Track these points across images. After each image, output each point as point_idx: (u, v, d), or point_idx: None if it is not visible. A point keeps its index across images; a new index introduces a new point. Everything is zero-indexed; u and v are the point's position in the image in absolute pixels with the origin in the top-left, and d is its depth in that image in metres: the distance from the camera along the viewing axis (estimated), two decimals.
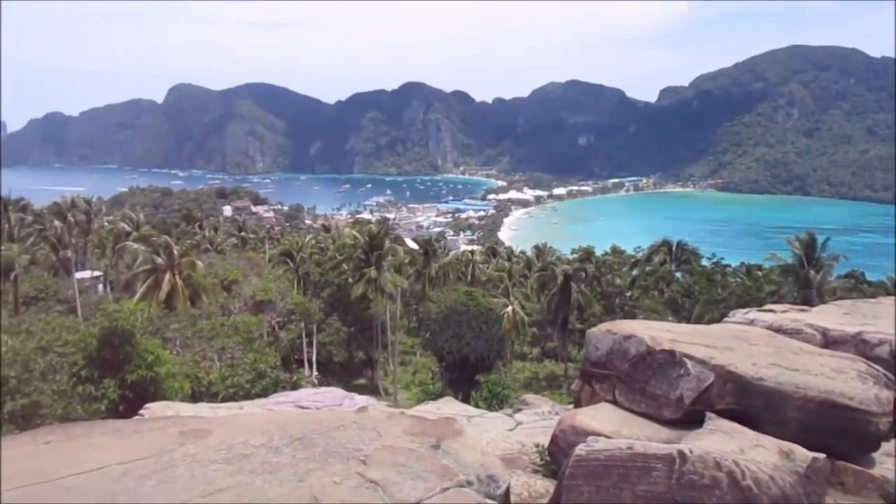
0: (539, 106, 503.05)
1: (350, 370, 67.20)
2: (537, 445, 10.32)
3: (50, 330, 31.67)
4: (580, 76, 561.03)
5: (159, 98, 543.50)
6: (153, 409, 11.52)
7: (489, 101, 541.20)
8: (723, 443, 6.86)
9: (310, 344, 59.88)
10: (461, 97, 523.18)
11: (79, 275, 71.05)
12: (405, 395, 56.79)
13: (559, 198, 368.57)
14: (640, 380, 8.31)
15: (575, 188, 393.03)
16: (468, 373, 31.35)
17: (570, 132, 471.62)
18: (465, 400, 25.59)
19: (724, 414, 7.65)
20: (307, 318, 57.43)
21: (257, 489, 5.19)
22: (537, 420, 12.97)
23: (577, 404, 10.22)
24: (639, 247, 79.24)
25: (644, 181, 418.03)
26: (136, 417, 9.82)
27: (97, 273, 78.57)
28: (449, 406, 13.67)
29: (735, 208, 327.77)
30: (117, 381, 17.75)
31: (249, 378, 26.45)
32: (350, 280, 60.26)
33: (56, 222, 71.71)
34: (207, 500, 5.04)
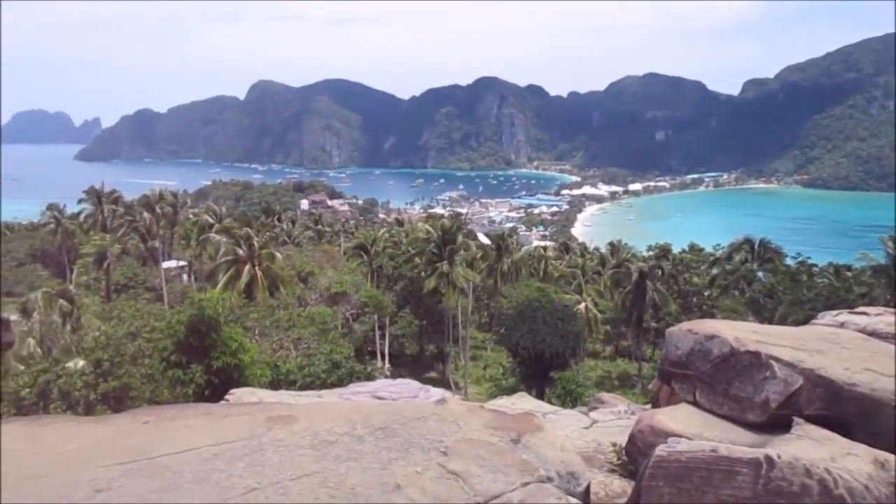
0: (615, 100, 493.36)
1: (421, 363, 67.91)
2: (614, 444, 10.22)
3: (139, 316, 33.35)
4: (658, 69, 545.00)
5: (241, 94, 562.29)
6: (238, 394, 12.03)
7: (564, 95, 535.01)
8: (812, 450, 6.61)
9: (382, 336, 60.82)
10: (535, 91, 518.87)
11: (165, 264, 74.44)
12: (475, 389, 56.93)
13: (635, 194, 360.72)
14: (723, 381, 8.11)
15: (651, 184, 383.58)
16: (542, 369, 31.16)
17: (647, 126, 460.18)
18: (539, 396, 25.47)
19: (812, 420, 7.38)
20: (380, 310, 58.36)
21: (342, 475, 5.36)
22: (613, 419, 12.83)
23: (655, 404, 10.05)
24: (718, 245, 76.86)
25: (725, 177, 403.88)
26: (225, 402, 10.26)
27: (182, 263, 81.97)
28: (523, 402, 13.68)
29: (823, 205, 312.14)
30: (204, 366, 18.58)
31: (326, 368, 27.11)
32: (422, 274, 60.79)
33: (145, 214, 75.22)
34: (295, 483, 5.25)
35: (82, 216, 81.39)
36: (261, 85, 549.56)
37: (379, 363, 58.33)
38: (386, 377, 37.40)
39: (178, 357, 18.89)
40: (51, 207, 77.78)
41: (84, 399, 18.77)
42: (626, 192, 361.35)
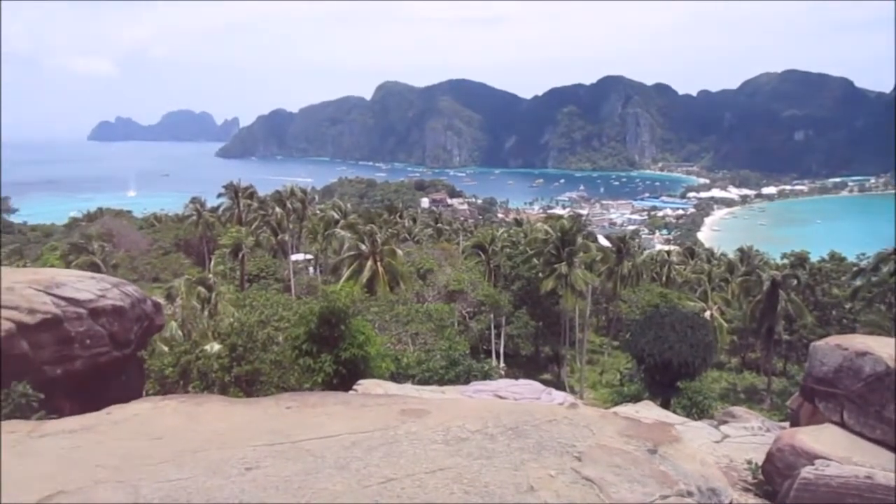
0: (749, 98, 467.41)
1: (536, 364, 67.38)
2: (749, 462, 9.75)
3: (269, 305, 35.27)
4: (799, 65, 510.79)
5: (368, 95, 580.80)
6: (365, 385, 12.45)
7: (693, 93, 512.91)
8: None
9: (498, 335, 60.86)
10: (662, 90, 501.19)
11: (293, 257, 78.04)
12: (591, 394, 55.84)
13: (768, 197, 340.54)
14: (876, 402, 7.53)
15: (787, 187, 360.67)
16: (669, 378, 29.98)
17: (785, 126, 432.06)
18: (664, 406, 24.59)
19: None
20: (496, 309, 58.48)
21: (475, 472, 5.42)
22: (746, 435, 12.21)
23: (795, 423, 9.49)
24: (863, 254, 70.90)
25: (872, 181, 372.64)
26: (359, 392, 10.65)
27: (309, 256, 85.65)
28: (648, 410, 13.26)
29: None
30: (332, 356, 19.38)
31: (444, 364, 27.51)
32: (540, 274, 60.30)
33: (277, 209, 79.45)
34: (430, 477, 5.37)
35: (221, 209, 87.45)
36: (386, 86, 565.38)
37: (494, 362, 58.43)
38: (500, 377, 37.39)
39: (309, 346, 19.79)
40: (193, 201, 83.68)
41: (219, 381, 19.95)
42: (758, 195, 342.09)
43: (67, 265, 49.77)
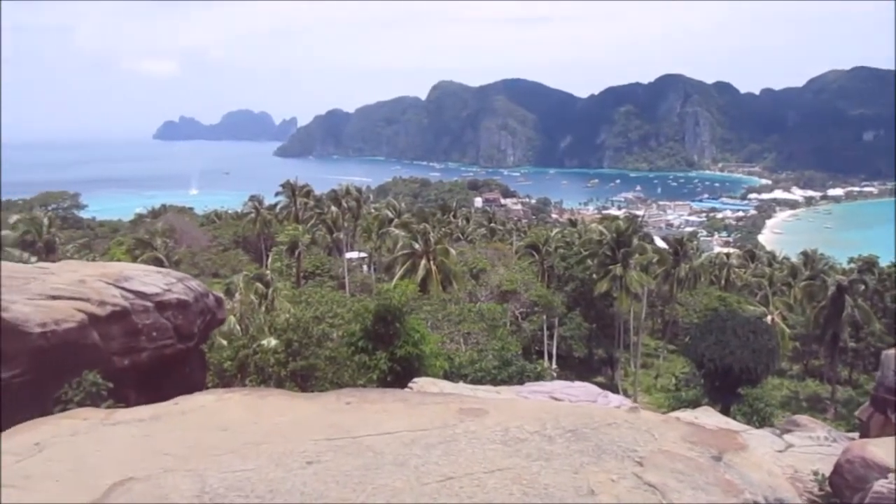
0: (815, 96, 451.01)
1: (589, 366, 66.61)
2: (815, 473, 9.43)
3: (324, 302, 35.84)
4: (868, 62, 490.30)
5: (422, 95, 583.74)
6: (420, 383, 12.53)
7: (756, 91, 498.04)
8: None
9: (550, 337, 60.44)
10: (723, 88, 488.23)
11: (348, 255, 79.14)
12: (646, 398, 54.96)
13: (835, 199, 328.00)
14: None
15: (855, 189, 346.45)
16: (729, 384, 29.25)
17: (854, 126, 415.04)
18: (724, 412, 24.02)
19: None
20: (549, 310, 58.10)
21: (534, 474, 5.40)
22: (811, 445, 11.81)
23: (864, 433, 9.13)
24: None
25: None
26: (415, 390, 10.73)
27: (363, 254, 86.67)
28: (707, 416, 12.95)
29: None
30: (388, 353, 19.58)
31: (496, 364, 27.49)
32: (594, 276, 59.63)
33: (332, 207, 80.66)
34: (489, 476, 5.37)
35: (278, 207, 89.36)
36: (441, 85, 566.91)
37: (546, 363, 58.03)
38: (553, 378, 37.15)
39: (365, 343, 20.03)
40: (252, 199, 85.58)
41: (276, 375, 20.36)
42: (823, 197, 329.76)
43: (133, 260, 51.56)
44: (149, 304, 14.63)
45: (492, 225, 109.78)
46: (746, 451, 5.78)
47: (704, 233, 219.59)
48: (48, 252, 47.82)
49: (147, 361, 14.67)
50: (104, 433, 7.01)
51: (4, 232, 53.19)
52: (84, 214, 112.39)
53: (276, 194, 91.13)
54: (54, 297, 13.05)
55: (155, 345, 14.78)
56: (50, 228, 53.18)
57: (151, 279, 15.55)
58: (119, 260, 50.72)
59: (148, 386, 14.10)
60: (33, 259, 32.23)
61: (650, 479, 5.28)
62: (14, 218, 56.46)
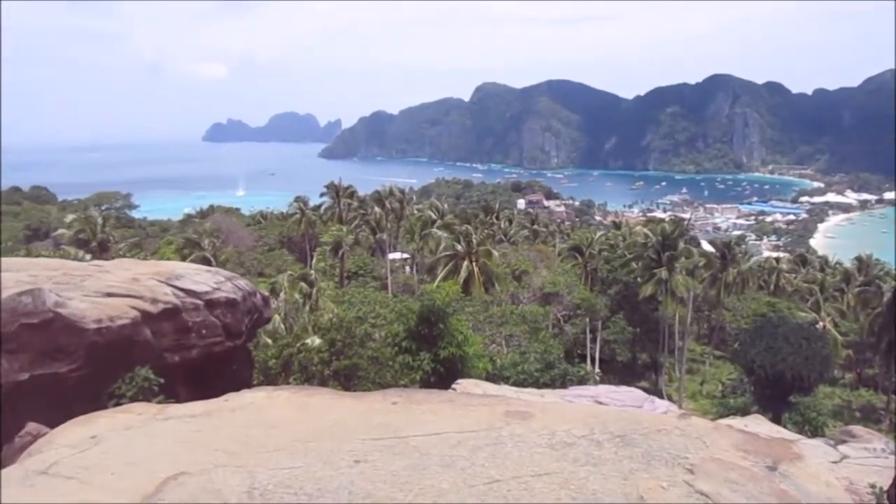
0: (870, 97, 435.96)
1: (633, 371, 65.67)
2: (872, 486, 9.11)
3: (367, 303, 36.13)
4: None
5: (466, 96, 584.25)
6: (464, 384, 12.53)
7: (808, 92, 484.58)
8: None
9: (593, 340, 59.79)
10: (774, 88, 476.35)
11: (391, 256, 79.58)
12: (691, 405, 53.92)
13: (891, 203, 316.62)
14: None
15: None
16: (780, 391, 28.46)
17: None
18: (775, 420, 23.40)
19: None
20: (592, 314, 57.50)
21: (581, 479, 5.34)
22: (868, 457, 11.43)
23: None
24: None
25: None
26: (459, 391, 10.74)
27: (406, 255, 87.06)
28: (758, 425, 12.65)
29: None
30: (431, 354, 19.62)
31: (539, 367, 27.29)
32: (639, 279, 58.86)
33: (376, 208, 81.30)
34: (536, 480, 5.33)
35: (322, 208, 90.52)
36: (485, 87, 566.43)
37: (588, 367, 57.43)
38: (596, 382, 36.78)
39: (409, 343, 20.12)
40: (297, 199, 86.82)
41: (319, 374, 20.56)
42: (879, 200, 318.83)
43: (182, 259, 52.83)
44: (199, 302, 14.96)
45: (535, 227, 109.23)
46: (802, 462, 5.62)
47: (753, 236, 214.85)
48: (102, 250, 49.29)
49: (196, 358, 14.99)
50: (157, 428, 7.19)
51: (60, 231, 55.08)
52: (136, 214, 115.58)
53: (321, 195, 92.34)
54: (109, 295, 13.44)
55: (204, 342, 15.09)
56: (104, 227, 54.81)
57: (202, 278, 15.90)
58: (168, 259, 52.05)
59: (197, 382, 14.41)
60: (88, 257, 33.24)
61: (702, 487, 5.16)
62: (70, 217, 58.44)
